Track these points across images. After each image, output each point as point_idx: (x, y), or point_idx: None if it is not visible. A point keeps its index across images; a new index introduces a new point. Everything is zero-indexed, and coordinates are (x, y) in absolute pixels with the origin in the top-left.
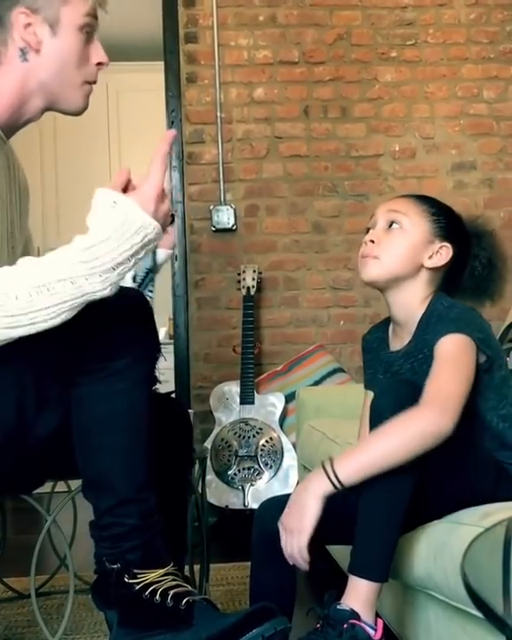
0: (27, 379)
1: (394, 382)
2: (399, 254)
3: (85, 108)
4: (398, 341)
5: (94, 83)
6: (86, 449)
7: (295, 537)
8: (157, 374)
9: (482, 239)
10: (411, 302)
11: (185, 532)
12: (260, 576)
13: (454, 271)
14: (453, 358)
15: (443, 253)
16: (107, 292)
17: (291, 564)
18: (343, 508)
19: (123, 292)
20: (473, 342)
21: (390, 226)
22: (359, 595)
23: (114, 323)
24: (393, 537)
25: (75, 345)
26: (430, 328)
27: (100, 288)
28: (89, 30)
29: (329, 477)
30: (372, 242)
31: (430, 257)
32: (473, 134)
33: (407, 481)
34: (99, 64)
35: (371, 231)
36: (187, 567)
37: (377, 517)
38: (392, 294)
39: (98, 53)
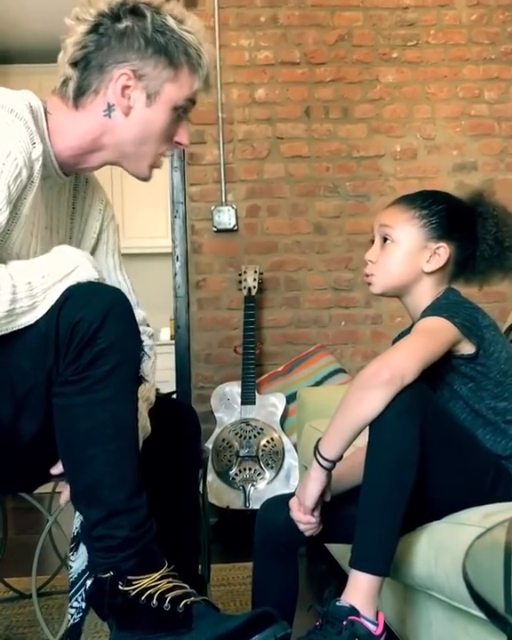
0: (4, 397)
1: None
2: (395, 269)
3: (149, 178)
4: None
5: (167, 156)
6: (72, 460)
7: (302, 506)
8: (142, 375)
9: (486, 220)
10: (421, 304)
11: (197, 533)
12: (262, 576)
13: (463, 261)
14: (419, 330)
15: (441, 254)
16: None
17: (303, 531)
18: (347, 508)
19: (94, 290)
20: (452, 326)
21: (384, 241)
22: (359, 589)
23: (91, 328)
24: (394, 530)
25: (52, 354)
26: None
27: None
28: (182, 112)
29: (317, 460)
30: (372, 261)
31: (428, 261)
32: (474, 135)
33: (408, 474)
34: (178, 143)
35: (371, 248)
36: (199, 566)
37: (378, 510)
38: (404, 300)
39: (182, 134)
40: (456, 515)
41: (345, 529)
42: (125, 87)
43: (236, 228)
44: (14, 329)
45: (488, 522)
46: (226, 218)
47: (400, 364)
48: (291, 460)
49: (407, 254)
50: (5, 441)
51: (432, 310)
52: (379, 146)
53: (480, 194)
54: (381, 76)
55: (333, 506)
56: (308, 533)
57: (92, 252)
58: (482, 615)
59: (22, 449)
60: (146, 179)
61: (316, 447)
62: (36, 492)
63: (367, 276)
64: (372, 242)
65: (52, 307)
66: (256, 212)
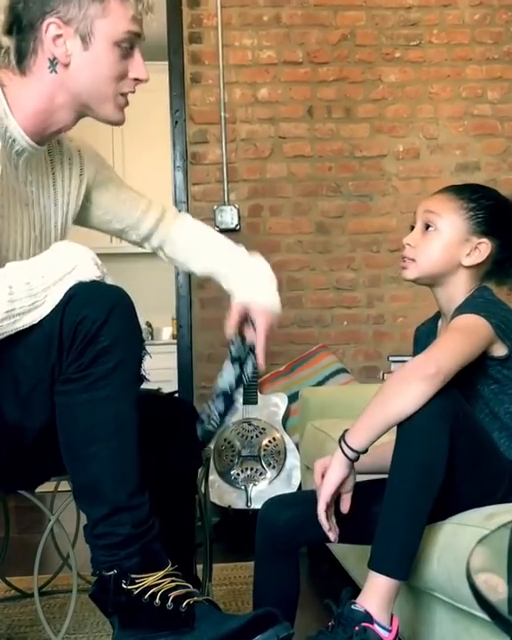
0: (7, 394)
1: None
2: (434, 257)
3: (121, 120)
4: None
5: (131, 93)
6: (74, 459)
7: (319, 496)
8: (143, 374)
9: None
10: (454, 297)
11: (193, 533)
12: (263, 575)
13: (502, 261)
14: (459, 328)
15: (481, 249)
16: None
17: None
18: (359, 509)
19: (97, 289)
20: (489, 326)
21: (427, 228)
22: (377, 592)
23: (94, 326)
24: (416, 534)
25: (55, 352)
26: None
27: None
28: (127, 45)
29: (342, 449)
30: (410, 245)
31: (468, 254)
32: (477, 135)
33: (436, 478)
34: (136, 80)
35: (410, 233)
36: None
37: (401, 513)
38: (436, 290)
39: (137, 69)
40: (459, 516)
41: (349, 529)
42: (57, 36)
43: (238, 227)
44: (18, 329)
45: (490, 523)
46: (228, 217)
47: (443, 361)
48: (293, 459)
49: (448, 244)
50: (9, 439)
51: (469, 307)
52: (381, 146)
53: None
54: (384, 75)
55: (336, 503)
56: (332, 538)
57: (96, 196)
58: (484, 616)
59: (25, 447)
60: (118, 121)
61: (343, 436)
62: (37, 490)
63: (404, 260)
64: (412, 228)
65: (56, 305)
66: (258, 212)
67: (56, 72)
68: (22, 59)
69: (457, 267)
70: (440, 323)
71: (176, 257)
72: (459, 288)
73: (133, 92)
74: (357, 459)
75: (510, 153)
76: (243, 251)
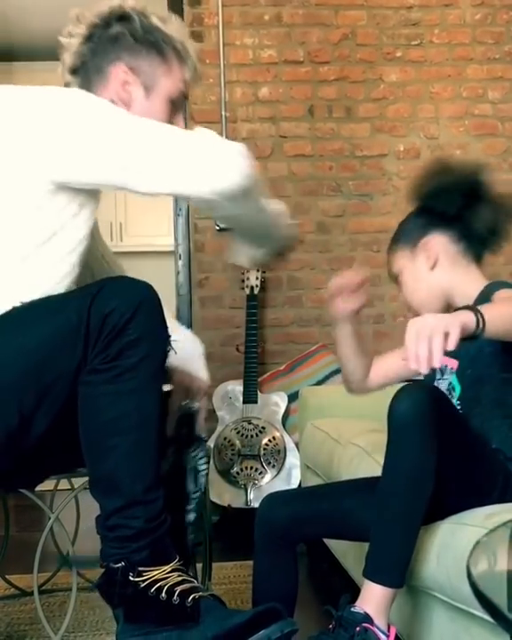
0: (29, 383)
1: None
2: (420, 296)
3: None
4: None
5: None
6: (94, 449)
7: (436, 333)
8: (168, 369)
9: (479, 204)
10: (467, 293)
11: (184, 532)
12: (262, 571)
13: (469, 237)
14: (507, 298)
15: (432, 248)
16: None
17: (418, 365)
18: (346, 501)
19: (128, 283)
20: None
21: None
22: (373, 600)
23: (122, 319)
24: (409, 541)
25: (82, 343)
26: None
27: None
28: (177, 104)
29: (476, 314)
30: (406, 303)
31: (432, 266)
32: (478, 135)
33: (424, 484)
34: None
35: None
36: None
37: (393, 522)
38: (453, 302)
39: (178, 123)
40: (458, 515)
41: (345, 525)
42: (125, 82)
43: None
44: None
45: (490, 522)
46: None
47: None
48: (292, 458)
49: (414, 280)
50: (18, 432)
51: (498, 285)
52: (382, 145)
53: (472, 173)
54: (385, 75)
55: (335, 500)
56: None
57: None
58: (484, 615)
59: (29, 444)
60: None
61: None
62: (37, 489)
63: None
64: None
65: (85, 298)
66: None
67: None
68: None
69: (435, 278)
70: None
71: None
72: (461, 284)
73: None
74: (477, 332)
75: (511, 153)
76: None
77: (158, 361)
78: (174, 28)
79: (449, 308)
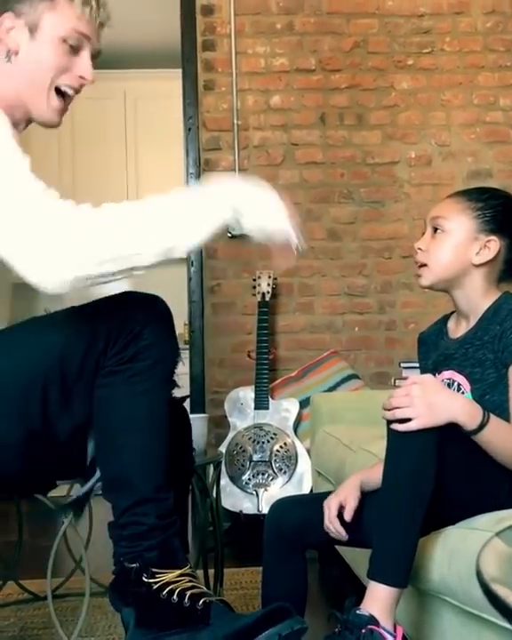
0: (54, 378)
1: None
2: (445, 258)
3: (53, 120)
4: (460, 329)
5: (71, 94)
6: (107, 448)
7: (424, 412)
8: (175, 379)
9: None
10: (472, 296)
11: (185, 537)
12: (271, 575)
13: None
14: None
15: (490, 247)
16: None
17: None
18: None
19: (146, 296)
20: None
21: (435, 231)
22: (378, 600)
23: (138, 325)
24: (412, 542)
25: (103, 342)
26: (494, 325)
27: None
28: (74, 44)
29: (481, 417)
30: (421, 249)
31: (478, 253)
32: (489, 142)
33: (426, 486)
34: (81, 77)
35: (421, 238)
36: (199, 571)
37: (396, 522)
38: (454, 293)
39: (82, 67)
40: (469, 520)
41: (357, 533)
42: (10, 28)
43: None
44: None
45: (500, 527)
46: None
47: None
48: (304, 465)
49: (457, 244)
50: (38, 437)
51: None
52: (393, 152)
53: None
54: (396, 82)
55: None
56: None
57: None
58: (496, 620)
59: (53, 446)
60: (56, 123)
61: (487, 415)
62: (50, 494)
63: (418, 266)
64: (424, 234)
65: (108, 306)
66: None
67: (10, 62)
68: None
69: (468, 267)
70: (453, 320)
71: None
72: (475, 288)
73: (76, 92)
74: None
75: None
76: None
77: (169, 367)
78: None
79: (448, 291)
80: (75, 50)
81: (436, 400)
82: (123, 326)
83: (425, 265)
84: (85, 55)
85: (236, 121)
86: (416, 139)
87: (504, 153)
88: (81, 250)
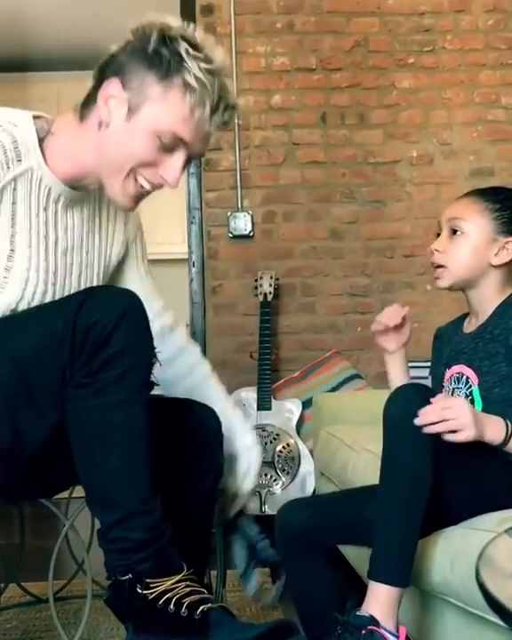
0: (18, 394)
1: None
2: (464, 260)
3: (125, 205)
4: (472, 325)
5: (148, 189)
6: (85, 464)
7: (454, 424)
8: (153, 380)
9: None
10: (486, 297)
11: (207, 542)
12: (290, 576)
13: None
14: None
15: (509, 248)
16: None
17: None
18: (359, 512)
19: (110, 292)
20: None
21: (454, 233)
22: (379, 600)
23: (105, 331)
24: (412, 541)
25: (68, 354)
26: (506, 319)
27: None
28: (168, 143)
29: (506, 429)
30: (438, 251)
31: (497, 254)
32: (491, 140)
33: (424, 485)
34: (162, 179)
35: (436, 240)
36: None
37: (395, 522)
38: (469, 293)
39: (169, 169)
40: (471, 520)
41: (365, 531)
42: (110, 96)
43: (252, 233)
44: None
45: (503, 527)
46: (242, 224)
47: None
48: (307, 465)
49: (476, 246)
50: (11, 448)
51: None
52: (395, 151)
53: None
54: (398, 81)
55: (353, 506)
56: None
57: (122, 264)
58: (499, 621)
59: (26, 457)
60: (126, 207)
61: None
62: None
63: (435, 268)
64: (438, 235)
65: (70, 308)
66: (272, 218)
67: (99, 130)
68: (85, 104)
69: (487, 268)
70: (467, 321)
71: (165, 380)
72: (490, 288)
73: (151, 190)
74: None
75: None
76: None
77: (143, 372)
78: (207, 56)
79: (463, 290)
80: (167, 148)
81: (468, 418)
82: (88, 333)
83: (442, 266)
84: (178, 157)
85: (236, 120)
86: (417, 138)
87: (506, 151)
88: None
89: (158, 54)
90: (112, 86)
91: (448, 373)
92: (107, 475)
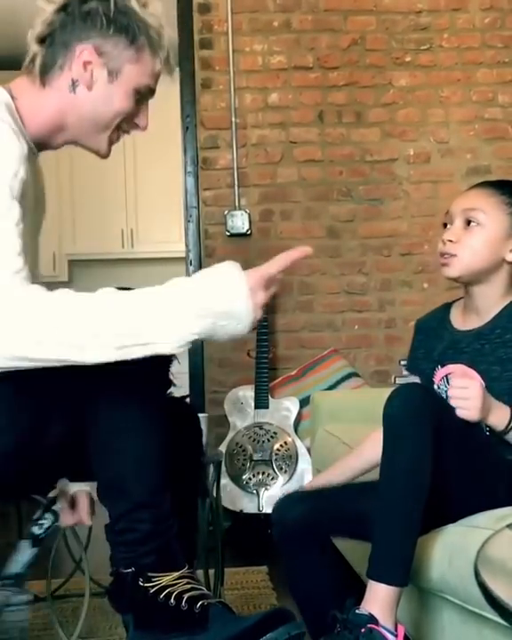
0: (43, 382)
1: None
2: (478, 251)
3: (108, 153)
4: (470, 322)
5: (126, 133)
6: (101, 454)
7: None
8: (171, 378)
9: None
10: (493, 292)
11: (194, 537)
12: (289, 571)
13: None
14: None
15: None
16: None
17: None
18: (354, 506)
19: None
20: None
21: (468, 224)
22: (378, 599)
23: None
24: (411, 540)
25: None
26: None
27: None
28: (142, 97)
29: (508, 425)
30: (451, 241)
31: (511, 250)
32: (488, 139)
33: (423, 481)
34: (136, 125)
35: (448, 229)
36: (200, 571)
37: (394, 520)
38: (475, 287)
39: (142, 117)
40: (470, 518)
41: (360, 524)
42: (87, 62)
43: (249, 232)
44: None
45: (501, 525)
46: (239, 222)
47: None
48: (304, 464)
49: (492, 239)
50: (33, 441)
51: None
52: (392, 150)
53: None
54: (395, 79)
55: (349, 499)
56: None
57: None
58: (497, 618)
59: (48, 450)
60: (105, 155)
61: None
62: (50, 495)
63: (445, 256)
64: (445, 225)
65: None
66: (269, 217)
67: (75, 93)
68: (47, 70)
69: (499, 263)
70: (457, 310)
71: None
72: (498, 286)
73: (128, 133)
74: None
75: None
76: None
77: (163, 367)
78: (152, 13)
79: (470, 284)
80: (142, 99)
81: (478, 400)
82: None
83: (453, 255)
84: (146, 106)
85: (233, 119)
86: (415, 136)
87: (503, 149)
88: (20, 328)
89: (119, 18)
90: (85, 53)
91: (441, 371)
92: (120, 464)
